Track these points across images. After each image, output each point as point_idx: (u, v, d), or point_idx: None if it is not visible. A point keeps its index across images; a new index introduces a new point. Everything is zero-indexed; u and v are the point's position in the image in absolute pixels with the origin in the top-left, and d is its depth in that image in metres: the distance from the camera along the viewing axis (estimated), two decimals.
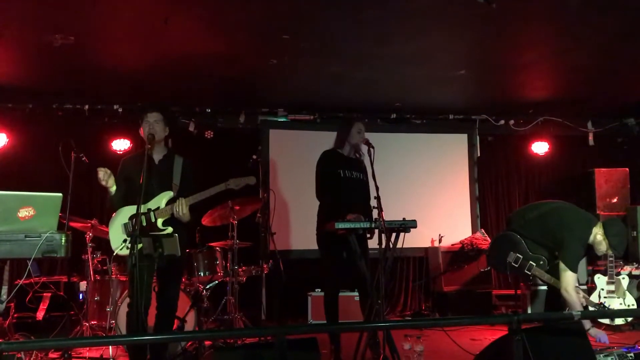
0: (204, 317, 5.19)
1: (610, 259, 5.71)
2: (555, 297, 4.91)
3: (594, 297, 5.77)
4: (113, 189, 3.88)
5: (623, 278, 5.78)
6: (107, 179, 3.83)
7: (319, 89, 6.44)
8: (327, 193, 4.57)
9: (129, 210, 3.87)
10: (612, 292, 5.72)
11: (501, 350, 3.13)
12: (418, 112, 7.46)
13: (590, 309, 4.82)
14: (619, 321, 5.66)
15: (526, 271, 4.74)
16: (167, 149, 4.12)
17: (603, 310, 5.69)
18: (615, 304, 5.68)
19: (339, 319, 4.62)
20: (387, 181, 5.02)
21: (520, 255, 4.78)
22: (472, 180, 7.64)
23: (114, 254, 3.90)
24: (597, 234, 4.63)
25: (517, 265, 4.76)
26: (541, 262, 4.77)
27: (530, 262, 4.75)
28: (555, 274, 4.69)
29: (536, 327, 3.30)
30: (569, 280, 4.58)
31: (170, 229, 3.82)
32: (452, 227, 7.27)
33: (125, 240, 3.78)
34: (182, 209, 3.76)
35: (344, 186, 4.57)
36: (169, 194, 3.89)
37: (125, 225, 3.88)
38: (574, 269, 4.60)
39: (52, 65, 5.51)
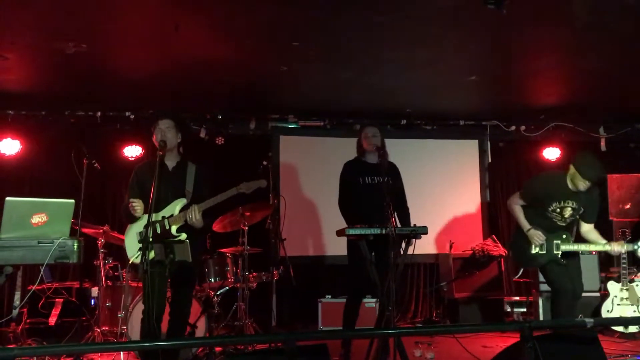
0: (214, 323, 5.20)
1: (624, 265, 5.67)
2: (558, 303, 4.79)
3: (607, 304, 5.73)
4: (138, 215, 3.93)
5: (637, 285, 5.73)
6: (140, 210, 3.90)
7: (329, 95, 6.46)
8: (347, 202, 4.71)
9: (145, 219, 3.89)
10: (626, 299, 5.67)
11: (513, 357, 3.11)
12: (428, 118, 7.45)
13: (614, 247, 4.60)
14: (632, 329, 5.61)
15: (556, 252, 4.59)
16: (180, 156, 4.13)
17: (617, 318, 5.64)
18: (628, 311, 5.63)
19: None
20: None
21: (543, 242, 4.63)
22: (483, 186, 7.60)
23: (130, 262, 3.93)
24: (570, 170, 4.54)
25: (545, 252, 4.61)
26: (564, 237, 4.63)
27: (555, 241, 4.61)
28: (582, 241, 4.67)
29: (548, 334, 3.28)
30: (514, 198, 4.77)
31: (184, 235, 3.84)
32: (463, 234, 7.24)
33: (140, 249, 3.80)
34: (194, 215, 3.78)
35: (364, 193, 4.62)
36: (182, 201, 3.91)
37: (140, 233, 3.90)
38: (522, 194, 4.73)
39: (64, 73, 5.57)
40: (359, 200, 4.63)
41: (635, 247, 4.57)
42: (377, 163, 4.64)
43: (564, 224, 4.63)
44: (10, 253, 3.05)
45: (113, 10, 4.25)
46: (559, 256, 4.59)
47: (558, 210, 4.58)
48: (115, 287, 5.24)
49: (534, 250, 4.63)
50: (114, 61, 5.28)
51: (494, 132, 7.61)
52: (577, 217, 4.66)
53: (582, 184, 4.44)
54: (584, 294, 6.11)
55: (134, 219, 3.96)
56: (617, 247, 4.54)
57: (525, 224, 4.67)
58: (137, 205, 3.87)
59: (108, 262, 5.36)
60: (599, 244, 4.61)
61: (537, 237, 4.58)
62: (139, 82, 5.85)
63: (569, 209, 4.58)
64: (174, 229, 3.86)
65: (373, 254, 4.33)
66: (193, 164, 4.10)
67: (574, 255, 4.72)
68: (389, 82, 5.96)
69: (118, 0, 4.14)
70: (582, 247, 4.61)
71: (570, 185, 4.53)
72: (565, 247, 4.59)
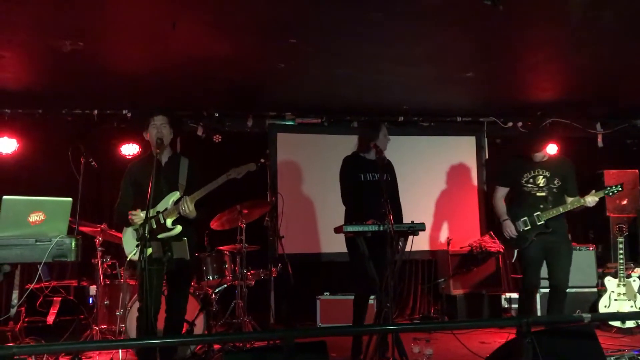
0: (213, 321, 5.20)
1: (621, 261, 5.69)
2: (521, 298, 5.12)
3: (604, 300, 5.75)
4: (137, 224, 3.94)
5: (634, 280, 5.75)
6: (138, 220, 3.90)
7: (327, 92, 6.45)
8: (350, 198, 4.67)
9: (141, 216, 3.90)
10: (623, 294, 5.69)
11: (511, 353, 3.12)
12: (426, 115, 7.45)
13: (587, 199, 4.85)
14: (629, 324, 5.63)
15: (540, 223, 4.85)
16: (172, 151, 4.16)
17: (614, 313, 5.66)
18: (625, 306, 5.65)
19: (349, 321, 4.63)
20: None
21: (525, 218, 4.92)
22: (481, 182, 7.61)
23: (128, 259, 3.94)
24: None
25: (530, 227, 4.88)
26: (542, 206, 4.89)
27: (535, 214, 4.88)
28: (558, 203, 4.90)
29: (546, 329, 3.29)
30: (495, 191, 5.22)
31: (179, 227, 3.85)
32: (460, 230, 7.25)
33: (138, 245, 3.81)
34: (187, 207, 3.78)
35: (366, 190, 4.61)
36: (176, 194, 3.92)
37: (137, 230, 3.91)
38: (499, 182, 5.25)
39: (61, 71, 5.55)
40: (360, 197, 4.62)
41: (605, 192, 4.91)
42: (375, 159, 4.64)
43: (543, 194, 4.92)
44: (7, 252, 3.05)
45: (110, 8, 4.24)
46: (545, 226, 4.85)
47: (531, 180, 4.96)
48: (113, 285, 5.24)
49: (521, 228, 4.92)
50: (111, 59, 5.27)
51: (491, 129, 7.60)
52: (555, 188, 4.91)
53: (537, 155, 4.96)
54: (581, 290, 6.21)
55: (129, 224, 3.97)
56: (590, 198, 4.83)
57: (502, 215, 5.07)
58: (137, 218, 3.89)
59: (106, 260, 5.35)
60: (574, 202, 4.88)
61: (509, 228, 4.96)
62: (136, 80, 5.83)
63: (541, 176, 4.94)
64: (169, 222, 3.87)
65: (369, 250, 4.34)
66: (185, 157, 4.12)
67: (565, 241, 4.97)
68: (386, 79, 5.96)
69: None
70: (560, 209, 4.86)
71: (533, 158, 4.99)
72: (546, 215, 4.86)
